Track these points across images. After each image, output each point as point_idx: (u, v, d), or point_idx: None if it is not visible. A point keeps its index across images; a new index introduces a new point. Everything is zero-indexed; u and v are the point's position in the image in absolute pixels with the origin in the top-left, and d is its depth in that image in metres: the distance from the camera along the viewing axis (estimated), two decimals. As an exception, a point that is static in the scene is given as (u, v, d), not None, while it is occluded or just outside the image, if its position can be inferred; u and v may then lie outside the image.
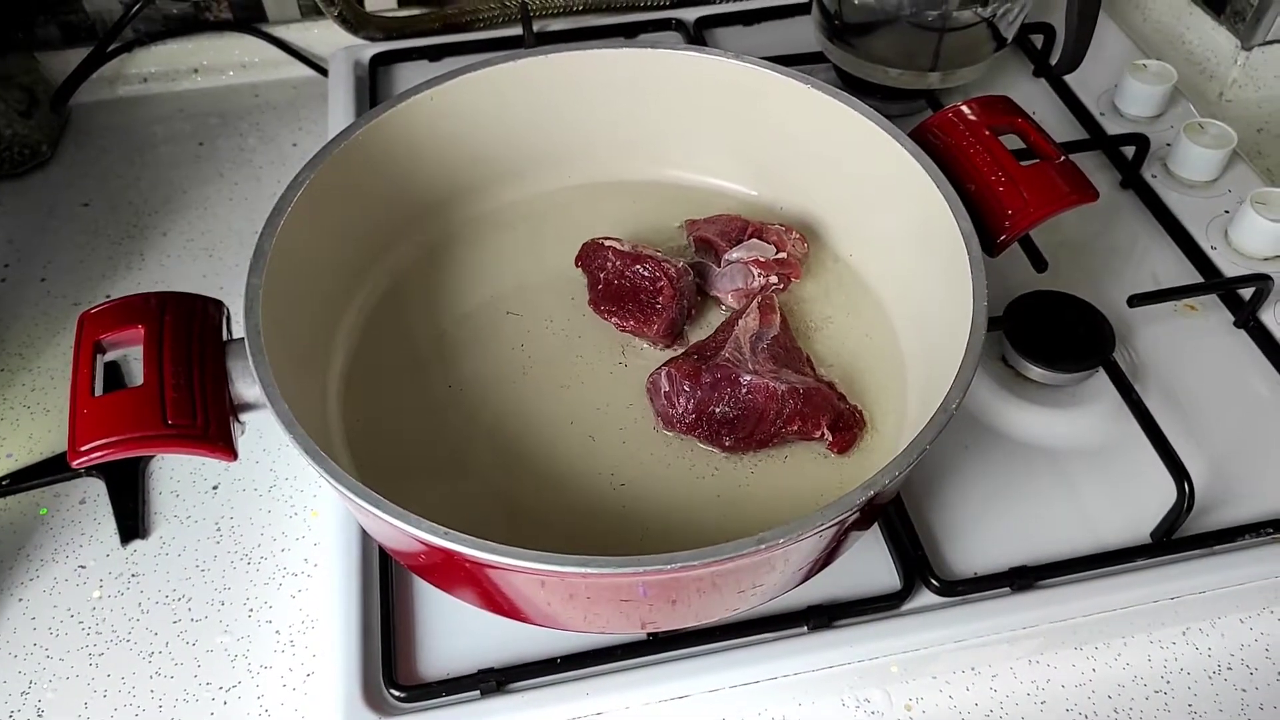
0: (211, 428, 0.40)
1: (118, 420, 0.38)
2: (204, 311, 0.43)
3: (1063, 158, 0.50)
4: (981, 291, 0.43)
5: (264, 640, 0.51)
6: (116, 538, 0.55)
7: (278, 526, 0.56)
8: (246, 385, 0.41)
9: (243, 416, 0.42)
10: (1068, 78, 0.76)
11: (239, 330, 0.43)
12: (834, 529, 0.37)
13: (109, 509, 0.56)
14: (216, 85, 0.83)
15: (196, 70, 0.83)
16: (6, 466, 0.58)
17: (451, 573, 0.41)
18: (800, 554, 0.39)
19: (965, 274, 0.45)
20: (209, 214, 0.73)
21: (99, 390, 0.40)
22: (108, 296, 0.68)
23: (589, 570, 0.34)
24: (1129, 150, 0.69)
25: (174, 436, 0.39)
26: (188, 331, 0.42)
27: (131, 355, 0.61)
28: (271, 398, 0.39)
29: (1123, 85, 0.74)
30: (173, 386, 0.39)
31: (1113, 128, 0.73)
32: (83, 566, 0.54)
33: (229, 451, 0.40)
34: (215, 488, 0.57)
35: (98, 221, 0.72)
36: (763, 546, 0.35)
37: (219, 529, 0.56)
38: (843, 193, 0.56)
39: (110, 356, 0.43)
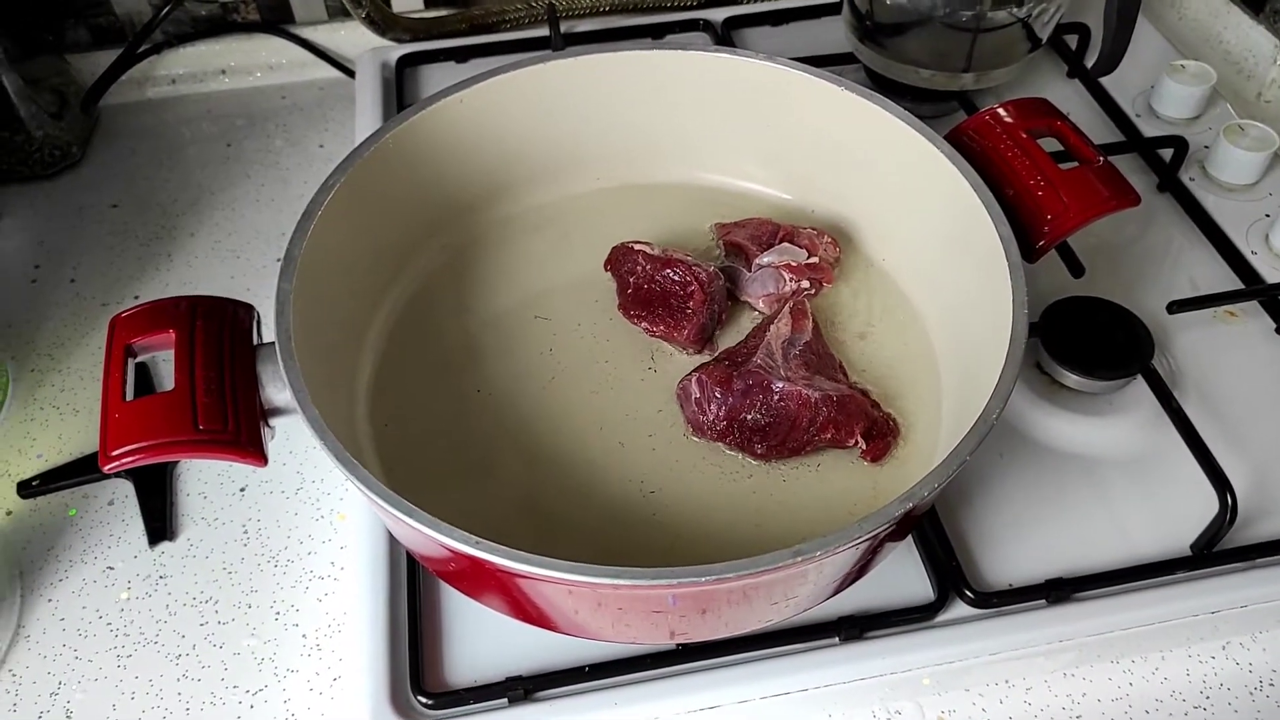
0: (243, 433, 0.39)
1: (150, 425, 0.38)
2: (234, 316, 0.43)
3: (1102, 160, 0.49)
4: (1021, 299, 0.42)
5: (290, 644, 0.51)
6: (145, 539, 0.55)
7: (305, 529, 0.56)
8: (277, 390, 0.41)
9: (273, 421, 0.42)
10: (1103, 79, 0.74)
11: (269, 334, 0.42)
12: (870, 542, 0.36)
13: (137, 510, 0.56)
14: (244, 86, 0.84)
15: (224, 72, 0.83)
16: (36, 467, 0.58)
17: (480, 580, 0.40)
18: (835, 566, 0.38)
19: (1003, 280, 0.44)
20: (236, 215, 0.73)
21: (130, 394, 0.40)
22: (136, 298, 0.68)
23: (620, 582, 0.34)
24: (1166, 153, 0.68)
25: (206, 442, 0.39)
26: (219, 336, 0.42)
27: (160, 357, 0.61)
28: (302, 403, 0.39)
29: (1160, 86, 0.73)
30: (204, 391, 0.39)
31: (1149, 130, 0.72)
32: (111, 568, 0.54)
33: (260, 457, 0.40)
34: (243, 490, 0.57)
35: (127, 222, 0.73)
36: (799, 559, 0.34)
37: (246, 531, 0.55)
38: (876, 196, 0.56)
39: (140, 358, 0.43)
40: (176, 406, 0.39)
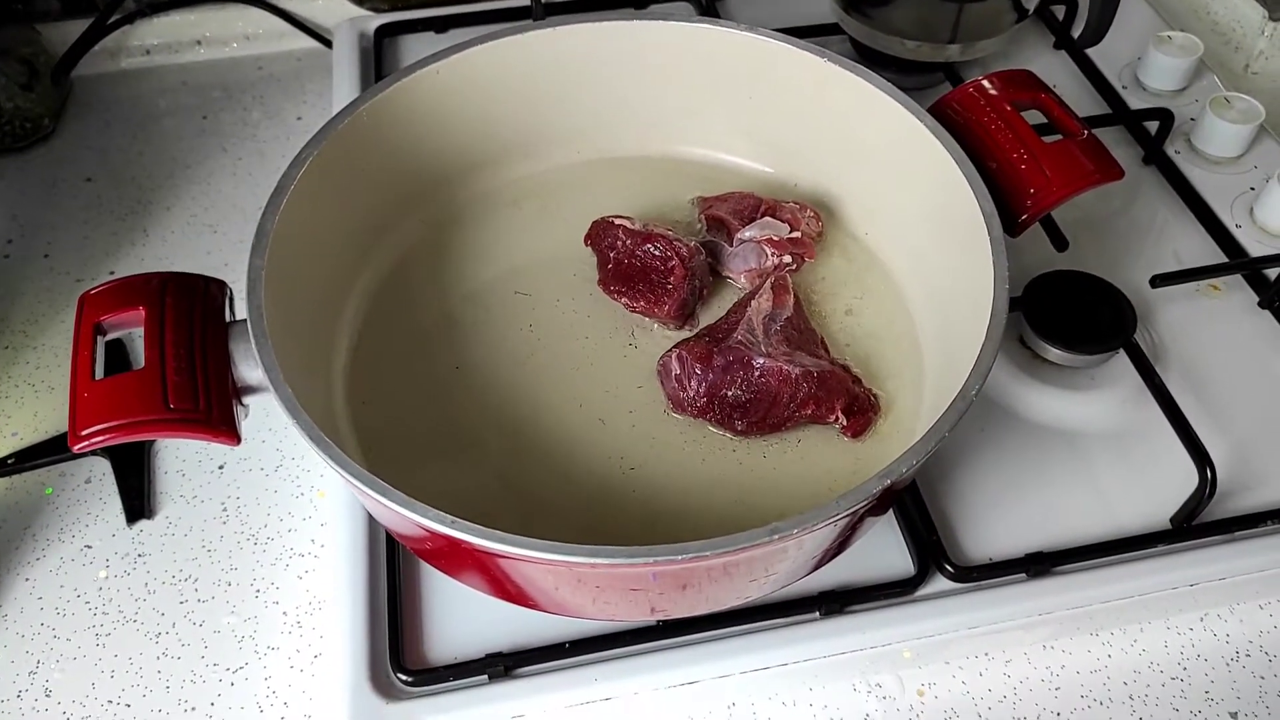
0: (214, 412, 0.39)
1: (118, 404, 0.38)
2: (206, 292, 0.43)
3: (1086, 134, 0.49)
4: (1003, 274, 0.42)
5: (271, 621, 0.51)
6: (123, 517, 0.54)
7: (285, 506, 0.55)
8: (249, 368, 0.40)
9: (246, 399, 0.42)
10: (1090, 50, 0.74)
11: (242, 311, 0.42)
12: (848, 518, 0.36)
13: (115, 488, 0.55)
14: (220, 57, 0.82)
15: (200, 42, 0.82)
16: (11, 445, 0.57)
17: (458, 559, 0.40)
18: (814, 542, 0.38)
19: (985, 255, 0.44)
20: (212, 189, 0.72)
21: (100, 373, 0.40)
22: (112, 273, 0.67)
23: (598, 560, 0.33)
24: (1152, 125, 0.68)
25: (176, 421, 0.38)
26: (189, 313, 0.41)
27: (136, 334, 0.60)
28: (274, 381, 0.38)
29: (1146, 58, 0.72)
30: (174, 370, 0.39)
31: (1135, 101, 0.71)
32: (89, 546, 0.54)
33: (232, 435, 0.39)
34: (221, 467, 0.57)
35: (101, 196, 0.72)
36: (775, 537, 0.34)
37: (225, 509, 0.55)
38: (859, 170, 0.55)
39: (113, 335, 0.42)
40: (146, 385, 0.38)
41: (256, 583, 0.52)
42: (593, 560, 0.34)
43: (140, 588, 0.52)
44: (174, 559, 0.53)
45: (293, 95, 0.79)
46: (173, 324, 0.40)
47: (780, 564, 0.39)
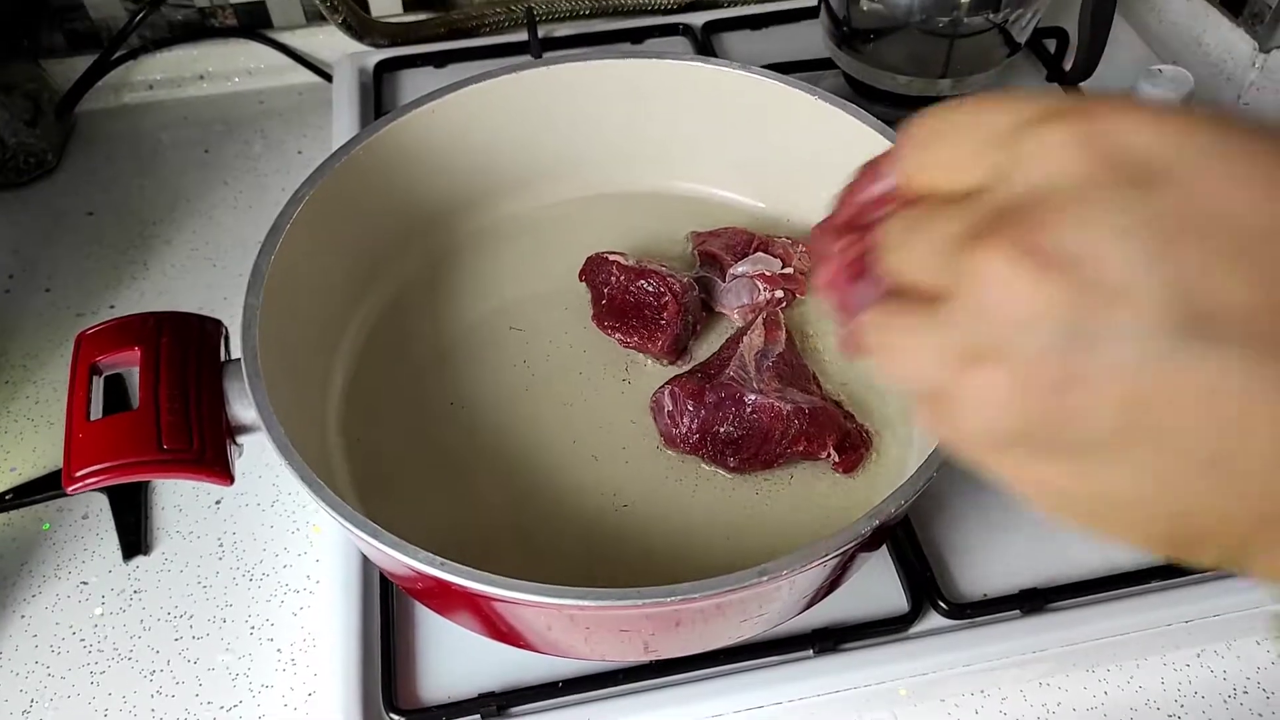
0: (208, 452, 0.39)
1: (113, 445, 0.38)
2: (201, 331, 0.43)
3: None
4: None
5: (265, 659, 0.50)
6: (119, 553, 0.54)
7: (280, 542, 0.55)
8: (244, 407, 0.41)
9: (240, 438, 0.42)
10: (1082, 84, 0.74)
11: (237, 350, 0.42)
12: (839, 558, 0.36)
13: (112, 524, 0.55)
14: (222, 92, 0.83)
15: (202, 77, 0.83)
16: (10, 481, 0.58)
17: (449, 600, 0.40)
18: (806, 582, 0.38)
19: None
20: (214, 223, 0.73)
21: (97, 412, 0.40)
22: (112, 307, 0.67)
23: (586, 603, 0.33)
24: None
25: (169, 462, 0.38)
26: (184, 352, 0.41)
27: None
28: (268, 422, 0.38)
29: (1138, 92, 0.72)
30: (168, 410, 0.39)
31: (1127, 134, 0.71)
32: (85, 583, 0.53)
33: (225, 476, 0.40)
34: (218, 503, 0.57)
35: (102, 230, 0.72)
36: (765, 578, 0.34)
37: (221, 545, 0.55)
38: None
39: (109, 372, 0.43)
40: (140, 426, 0.38)
41: (251, 619, 0.52)
42: (582, 603, 0.34)
43: (136, 624, 0.52)
44: (170, 595, 0.53)
45: (293, 129, 0.80)
46: (167, 364, 0.40)
47: (772, 604, 0.39)
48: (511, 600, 0.34)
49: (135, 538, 0.55)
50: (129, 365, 0.42)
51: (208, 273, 0.70)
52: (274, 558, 0.55)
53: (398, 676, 0.46)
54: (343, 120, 0.72)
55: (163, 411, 0.39)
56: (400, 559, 0.35)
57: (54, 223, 0.72)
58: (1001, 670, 0.47)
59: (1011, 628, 0.47)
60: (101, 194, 0.74)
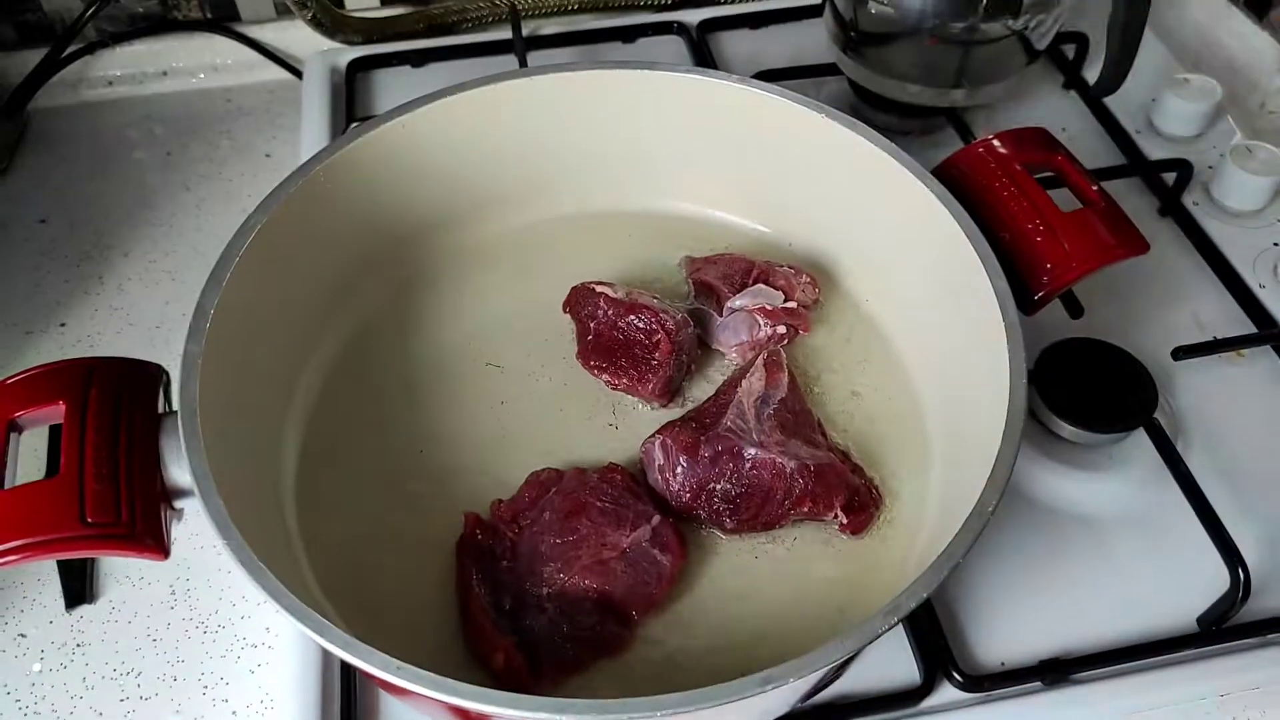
0: (138, 525, 0.35)
1: (29, 520, 0.34)
2: (136, 380, 0.39)
3: (1105, 203, 0.45)
4: (1020, 366, 0.38)
5: (218, 723, 0.47)
6: (61, 602, 0.50)
7: (237, 589, 0.51)
8: (181, 470, 0.36)
9: (179, 503, 0.37)
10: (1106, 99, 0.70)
11: (178, 400, 0.38)
12: (849, 659, 0.32)
13: (54, 569, 0.51)
14: (186, 89, 0.78)
15: (165, 73, 0.78)
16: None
17: (414, 697, 0.36)
18: (808, 682, 0.34)
19: (998, 335, 0.40)
20: (174, 232, 0.68)
21: (12, 479, 0.35)
22: (62, 325, 0.63)
23: (565, 716, 0.29)
24: (1169, 176, 0.64)
25: (94, 537, 0.34)
26: (116, 405, 0.37)
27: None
28: (204, 492, 0.34)
29: (1162, 101, 0.69)
30: (94, 477, 0.35)
31: (1150, 146, 0.68)
32: (23, 635, 0.49)
33: (158, 550, 0.36)
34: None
35: (55, 240, 0.68)
36: (769, 688, 0.30)
37: (174, 592, 0.51)
38: (860, 232, 0.51)
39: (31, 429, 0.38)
40: (61, 496, 0.34)
41: (204, 678, 0.48)
42: (561, 715, 0.29)
43: (77, 683, 0.48)
44: (115, 649, 0.49)
45: (263, 129, 0.75)
46: (95, 420, 0.36)
47: (769, 703, 0.35)
48: (480, 712, 0.30)
49: (79, 584, 0.51)
50: (53, 420, 0.37)
51: (166, 287, 0.65)
52: (230, 607, 0.51)
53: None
54: (311, 126, 0.68)
55: (88, 478, 0.35)
56: (349, 659, 0.30)
57: (2, 231, 0.68)
58: (1020, 747, 0.44)
59: (1033, 702, 0.44)
60: (55, 200, 0.70)
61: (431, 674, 0.30)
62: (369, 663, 0.30)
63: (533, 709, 0.29)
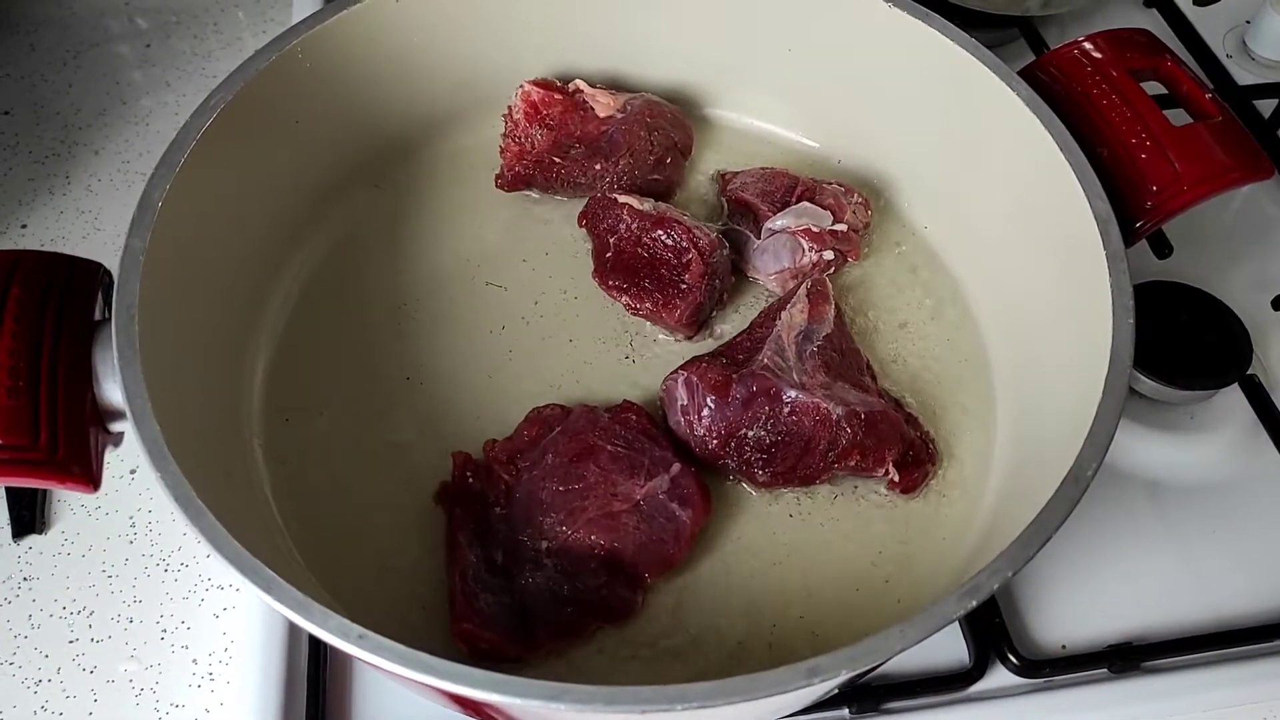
0: (60, 449, 0.30)
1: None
2: (70, 280, 0.33)
3: (1223, 116, 0.39)
4: (1125, 303, 0.33)
5: (177, 671, 0.44)
6: (8, 531, 0.47)
7: (204, 526, 0.47)
8: (115, 386, 0.31)
9: (115, 427, 0.32)
10: (1187, 11, 0.64)
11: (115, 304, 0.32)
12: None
13: (1, 494, 0.48)
14: (172, -25, 0.73)
15: (149, -47, 0.72)
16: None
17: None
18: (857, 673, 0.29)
19: (1094, 270, 0.36)
20: (150, 131, 0.64)
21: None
22: (24, 227, 0.59)
23: (562, 705, 0.24)
24: (1266, 105, 0.59)
25: (4, 462, 0.28)
26: (40, 308, 0.32)
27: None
28: (138, 413, 0.29)
29: (1258, 20, 0.63)
30: (8, 390, 0.29)
31: (1242, 74, 0.63)
32: (-38, 567, 0.46)
33: (86, 480, 0.31)
34: (133, 471, 0.49)
35: (20, 134, 0.64)
36: (816, 680, 0.25)
37: (134, 524, 0.48)
38: (923, 145, 0.46)
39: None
40: (-36, 412, 0.28)
41: (164, 620, 0.45)
42: (556, 704, 0.24)
43: (22, 621, 0.45)
44: (66, 586, 0.46)
45: (254, 21, 0.71)
46: (13, 325, 0.31)
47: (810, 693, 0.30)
48: (461, 695, 0.25)
49: (29, 512, 0.48)
50: (-34, 322, 0.31)
51: (137, 189, 0.59)
52: (195, 543, 0.46)
53: (328, 700, 0.39)
54: (305, 4, 0.62)
55: (0, 392, 0.29)
56: (323, 635, 0.25)
57: (-39, 122, 0.64)
58: (1082, 741, 0.40)
59: (1098, 692, 0.41)
60: (21, 91, 0.66)
61: (398, 645, 0.25)
62: (324, 627, 0.25)
63: (522, 694, 0.24)
